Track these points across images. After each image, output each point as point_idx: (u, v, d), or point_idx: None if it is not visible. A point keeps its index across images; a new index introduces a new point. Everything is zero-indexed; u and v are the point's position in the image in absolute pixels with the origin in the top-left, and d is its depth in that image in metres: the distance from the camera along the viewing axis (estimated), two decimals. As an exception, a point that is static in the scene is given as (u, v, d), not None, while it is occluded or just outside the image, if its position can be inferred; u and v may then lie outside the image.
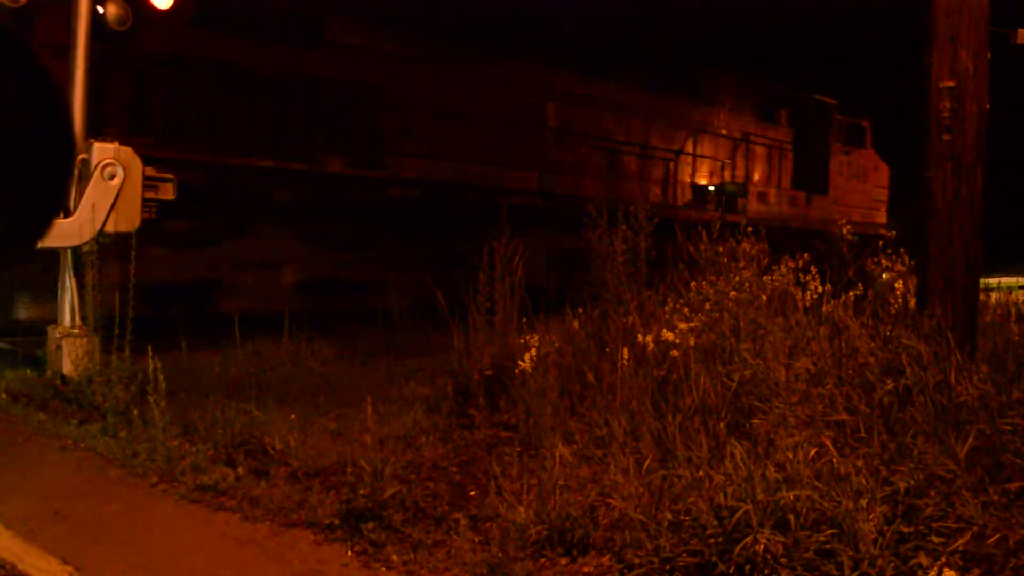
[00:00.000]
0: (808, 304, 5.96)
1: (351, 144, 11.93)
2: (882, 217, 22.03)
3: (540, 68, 14.56)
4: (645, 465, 4.36)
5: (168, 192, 8.86)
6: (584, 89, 15.10)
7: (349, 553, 4.20)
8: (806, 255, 7.23)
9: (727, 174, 18.15)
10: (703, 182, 17.77)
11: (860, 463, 3.94)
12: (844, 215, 18.48)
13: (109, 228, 7.74)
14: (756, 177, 19.04)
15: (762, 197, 18.87)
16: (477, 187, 13.27)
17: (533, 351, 5.87)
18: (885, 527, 3.49)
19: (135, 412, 6.24)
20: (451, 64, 13.23)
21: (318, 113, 11.56)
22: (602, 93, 15.48)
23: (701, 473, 4.07)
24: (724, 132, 18.13)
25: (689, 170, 17.52)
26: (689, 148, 17.37)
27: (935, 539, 3.55)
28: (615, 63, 16.69)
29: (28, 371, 7.84)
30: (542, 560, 3.98)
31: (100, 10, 8.44)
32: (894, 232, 19.89)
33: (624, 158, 16.12)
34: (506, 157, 13.88)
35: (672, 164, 17.10)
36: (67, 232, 7.46)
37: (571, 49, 17.09)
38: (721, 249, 7.19)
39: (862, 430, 4.45)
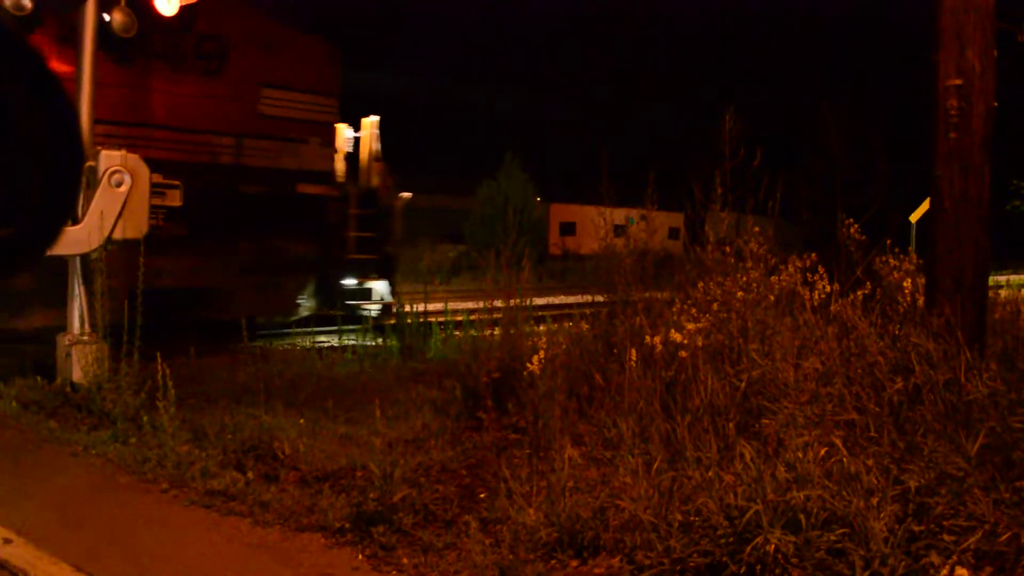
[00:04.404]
0: (816, 304, 5.95)
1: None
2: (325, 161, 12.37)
3: None
4: (654, 466, 4.36)
5: (175, 198, 8.89)
6: None
7: (360, 556, 4.21)
8: None
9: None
10: None
11: (870, 462, 3.93)
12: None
13: (117, 235, 7.77)
14: None
15: None
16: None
17: (541, 353, 5.87)
18: (896, 526, 3.48)
19: (145, 418, 6.25)
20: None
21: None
22: None
23: (711, 474, 4.06)
24: None
25: None
26: None
27: (946, 537, 3.53)
28: None
29: (38, 378, 7.86)
30: (552, 562, 3.98)
31: (107, 18, 8.50)
32: (345, 190, 12.38)
33: None
34: None
35: None
36: (76, 239, 7.49)
37: None
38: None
39: (872, 429, 4.44)
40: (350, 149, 12.92)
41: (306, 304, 11.66)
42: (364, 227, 12.40)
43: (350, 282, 12.47)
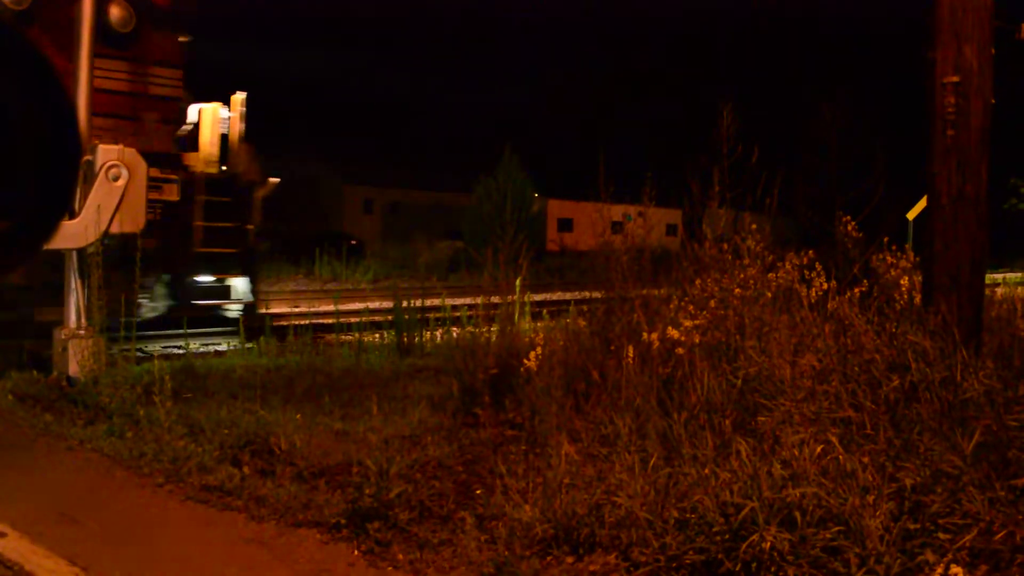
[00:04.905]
0: (813, 301, 5.95)
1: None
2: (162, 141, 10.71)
3: None
4: (651, 463, 4.36)
5: (172, 192, 8.88)
6: None
7: (356, 552, 4.21)
8: None
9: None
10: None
11: (866, 460, 3.94)
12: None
13: (114, 229, 7.76)
14: None
15: None
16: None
17: (538, 349, 5.86)
18: (892, 524, 3.48)
19: (141, 413, 6.25)
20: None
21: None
22: None
23: (707, 471, 4.06)
24: None
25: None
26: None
27: (942, 536, 3.54)
28: None
29: (34, 372, 7.86)
30: (548, 558, 3.98)
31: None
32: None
33: None
34: None
35: None
36: (72, 233, 7.48)
37: None
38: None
39: (868, 427, 4.45)
40: (224, 130, 11.64)
41: (150, 304, 10.51)
42: (218, 216, 11.05)
43: (205, 279, 11.26)
